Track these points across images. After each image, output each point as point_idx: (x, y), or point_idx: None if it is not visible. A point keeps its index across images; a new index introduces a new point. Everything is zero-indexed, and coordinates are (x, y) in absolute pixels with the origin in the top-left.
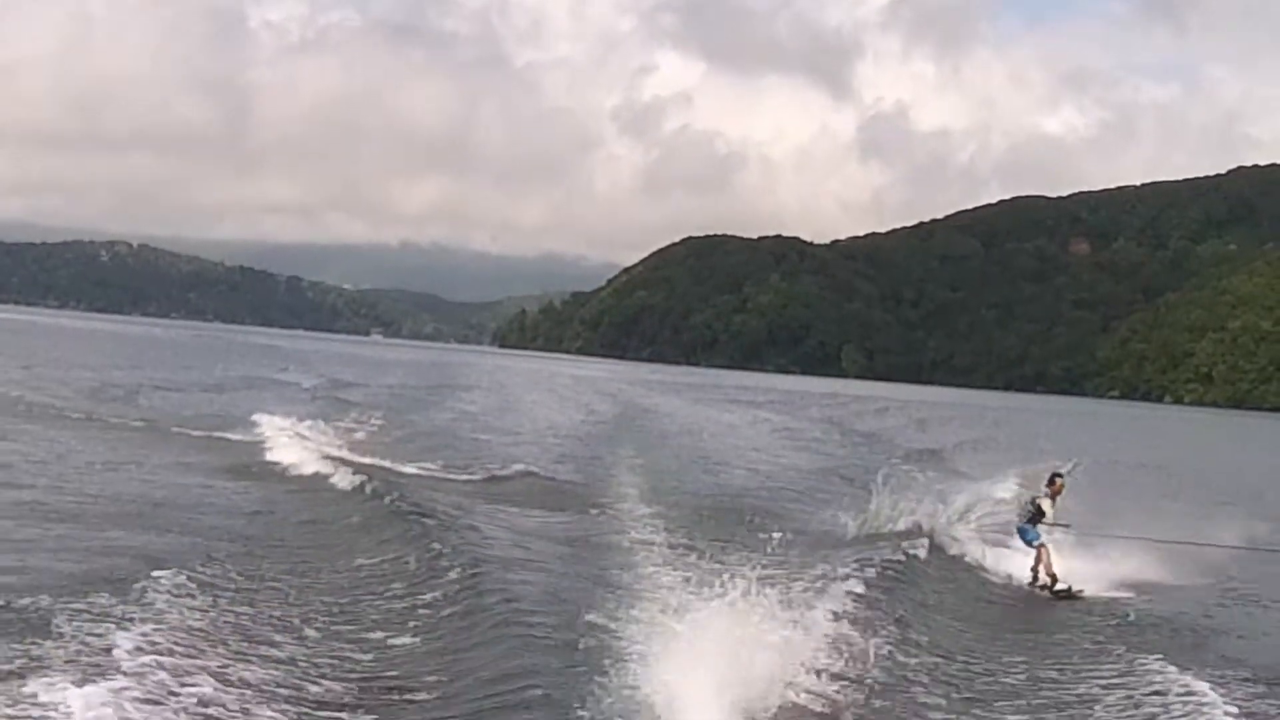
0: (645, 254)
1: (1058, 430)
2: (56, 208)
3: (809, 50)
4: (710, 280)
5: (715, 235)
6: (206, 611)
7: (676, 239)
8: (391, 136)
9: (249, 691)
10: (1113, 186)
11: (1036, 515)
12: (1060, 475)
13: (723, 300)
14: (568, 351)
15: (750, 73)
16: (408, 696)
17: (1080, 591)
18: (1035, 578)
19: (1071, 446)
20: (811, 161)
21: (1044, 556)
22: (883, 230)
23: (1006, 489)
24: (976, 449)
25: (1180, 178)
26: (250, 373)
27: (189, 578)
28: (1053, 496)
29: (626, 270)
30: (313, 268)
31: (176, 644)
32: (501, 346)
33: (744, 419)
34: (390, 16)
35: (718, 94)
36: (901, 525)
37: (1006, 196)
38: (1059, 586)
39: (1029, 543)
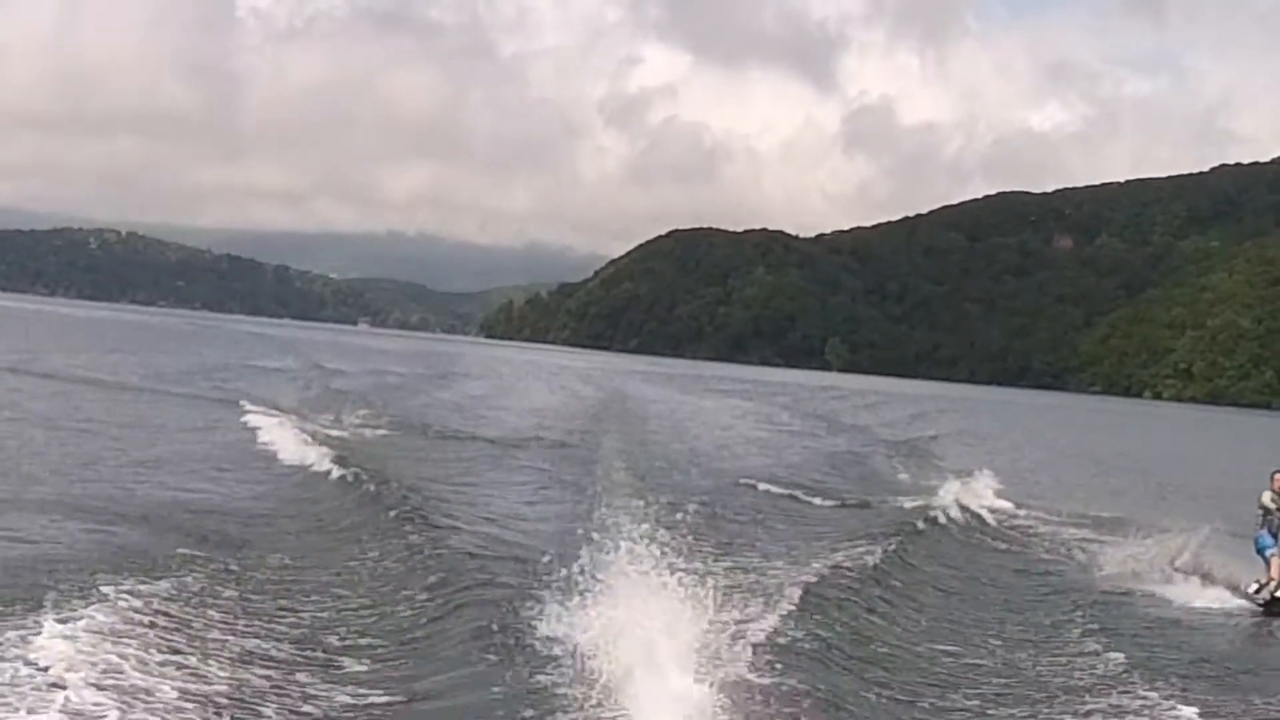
0: (631, 244)
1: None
2: (41, 193)
3: (795, 43)
4: (696, 273)
5: (701, 228)
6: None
7: (661, 230)
8: (378, 124)
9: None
10: (1097, 183)
11: (1269, 518)
12: None
13: (708, 293)
14: (554, 342)
15: (736, 66)
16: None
17: None
18: (1260, 588)
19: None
20: (797, 154)
21: (1276, 567)
22: (868, 224)
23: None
24: (960, 442)
25: (1164, 174)
26: (257, 360)
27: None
28: (1277, 491)
29: (613, 262)
30: (299, 256)
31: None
32: (488, 337)
33: (731, 408)
34: (376, 4)
35: (704, 86)
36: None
37: (991, 191)
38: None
39: (1262, 552)
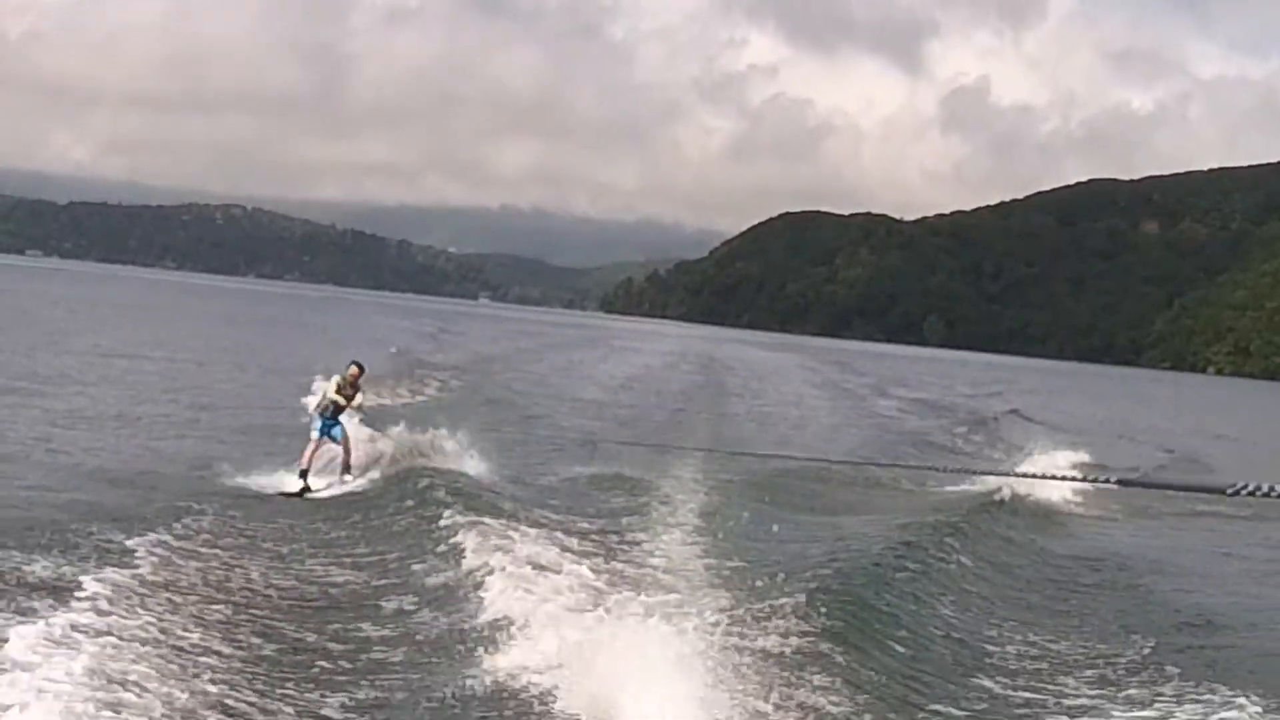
0: (738, 219)
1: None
2: (159, 168)
3: (893, 28)
4: (804, 253)
5: (809, 211)
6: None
7: (766, 204)
8: (485, 103)
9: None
10: (1182, 170)
11: (332, 406)
12: (360, 364)
13: (815, 272)
14: (671, 317)
15: (832, 51)
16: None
17: (311, 491)
18: (346, 469)
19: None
20: (897, 135)
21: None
22: (967, 208)
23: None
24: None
25: (1246, 163)
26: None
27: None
28: (351, 383)
29: (727, 242)
30: (416, 230)
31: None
32: (608, 312)
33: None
34: None
35: (802, 70)
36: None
37: (1083, 177)
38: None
39: (328, 435)
